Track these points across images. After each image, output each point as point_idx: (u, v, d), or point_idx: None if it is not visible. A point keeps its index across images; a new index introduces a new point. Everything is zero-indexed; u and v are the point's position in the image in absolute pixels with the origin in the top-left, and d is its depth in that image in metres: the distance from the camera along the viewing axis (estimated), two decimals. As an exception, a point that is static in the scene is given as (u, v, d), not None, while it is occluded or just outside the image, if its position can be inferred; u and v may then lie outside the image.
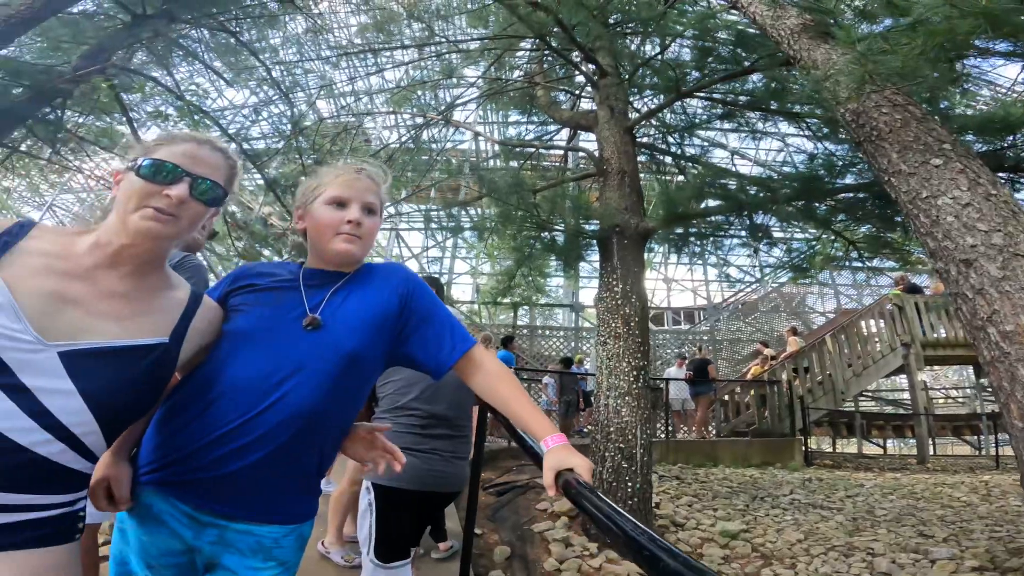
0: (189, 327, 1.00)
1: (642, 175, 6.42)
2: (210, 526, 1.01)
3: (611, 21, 6.15)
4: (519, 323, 14.12)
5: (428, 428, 2.10)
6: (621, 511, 0.91)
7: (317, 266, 1.18)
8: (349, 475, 2.96)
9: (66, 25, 6.73)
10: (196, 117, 6.77)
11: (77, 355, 0.84)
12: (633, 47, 7.20)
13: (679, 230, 5.80)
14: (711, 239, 6.33)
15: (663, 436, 8.91)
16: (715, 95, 6.03)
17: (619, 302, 4.59)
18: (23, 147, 7.17)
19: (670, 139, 7.08)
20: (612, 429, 4.38)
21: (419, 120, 9.21)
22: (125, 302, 0.93)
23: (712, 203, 5.58)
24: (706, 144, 7.42)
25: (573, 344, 13.95)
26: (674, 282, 18.16)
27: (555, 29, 5.34)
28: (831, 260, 5.92)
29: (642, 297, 4.72)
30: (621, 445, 4.30)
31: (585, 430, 9.15)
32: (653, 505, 4.71)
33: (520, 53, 8.64)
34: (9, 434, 0.78)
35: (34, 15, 5.30)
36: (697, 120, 6.75)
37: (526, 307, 12.82)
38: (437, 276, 10.54)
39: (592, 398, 9.24)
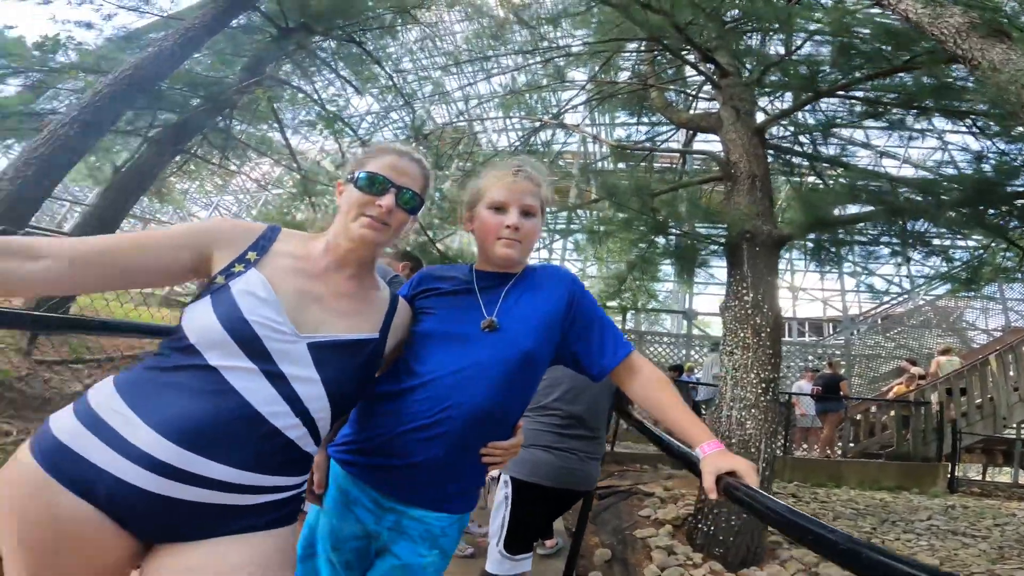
0: (391, 325, 1.10)
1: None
2: (390, 512, 1.09)
3: (728, 19, 5.83)
4: (626, 327, 13.85)
5: (567, 428, 2.17)
6: (798, 511, 0.91)
7: (486, 268, 1.25)
8: None
9: (228, 39, 7.58)
10: (336, 125, 7.47)
11: (321, 346, 0.93)
12: (754, 44, 6.77)
13: (814, 236, 5.38)
14: (852, 246, 5.77)
15: (780, 452, 8.34)
16: (856, 93, 5.53)
17: (749, 311, 4.41)
18: (197, 153, 8.23)
19: (802, 139, 6.59)
20: (734, 441, 4.23)
21: (528, 124, 9.33)
22: (349, 300, 1.03)
23: (855, 208, 5.11)
24: (845, 144, 6.74)
25: (684, 352, 13.40)
26: (800, 291, 16.76)
27: (670, 30, 5.18)
28: (1002, 272, 5.19)
29: (774, 307, 4.49)
30: (743, 458, 4.14)
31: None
32: (766, 522, 4.48)
33: (627, 54, 8.40)
34: (271, 417, 0.85)
35: (207, 28, 6.00)
36: (837, 119, 6.16)
37: (633, 311, 12.58)
38: None
39: (703, 408, 8.91)
